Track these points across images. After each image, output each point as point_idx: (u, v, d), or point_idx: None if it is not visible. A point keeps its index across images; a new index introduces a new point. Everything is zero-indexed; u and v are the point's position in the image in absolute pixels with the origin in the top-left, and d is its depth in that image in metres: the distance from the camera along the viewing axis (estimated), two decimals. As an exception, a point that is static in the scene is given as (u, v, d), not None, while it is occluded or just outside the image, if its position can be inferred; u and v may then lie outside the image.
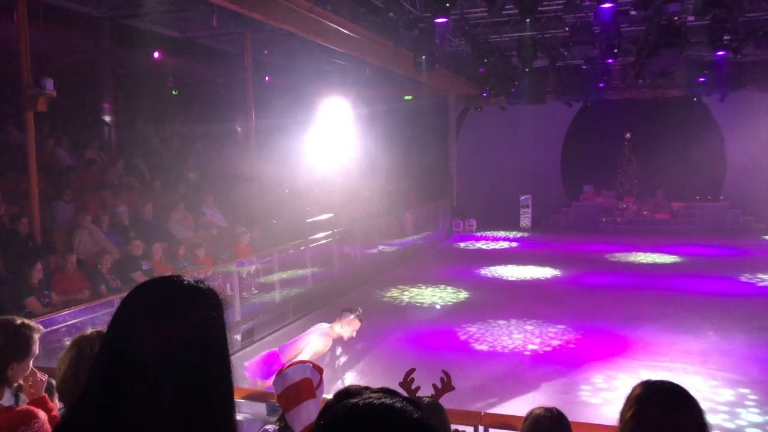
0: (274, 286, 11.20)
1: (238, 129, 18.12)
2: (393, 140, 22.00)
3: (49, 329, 6.78)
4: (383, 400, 0.99)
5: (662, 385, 1.82)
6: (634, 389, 1.86)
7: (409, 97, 21.35)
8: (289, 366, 2.39)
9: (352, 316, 5.39)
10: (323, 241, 13.13)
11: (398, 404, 0.99)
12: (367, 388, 1.09)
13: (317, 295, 12.03)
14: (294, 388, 2.28)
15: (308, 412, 2.23)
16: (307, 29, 11.26)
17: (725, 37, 13.18)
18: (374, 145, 22.46)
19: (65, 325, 7.02)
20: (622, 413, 1.84)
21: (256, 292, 10.84)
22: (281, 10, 9.91)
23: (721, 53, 14.83)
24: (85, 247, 9.13)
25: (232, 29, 13.20)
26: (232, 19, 12.00)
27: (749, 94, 19.04)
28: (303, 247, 12.25)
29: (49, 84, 8.51)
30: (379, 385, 1.15)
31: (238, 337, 9.64)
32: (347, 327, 5.35)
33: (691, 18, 12.23)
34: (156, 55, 14.84)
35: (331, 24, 10.93)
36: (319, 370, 2.39)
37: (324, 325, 5.30)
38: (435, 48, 13.10)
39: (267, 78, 19.06)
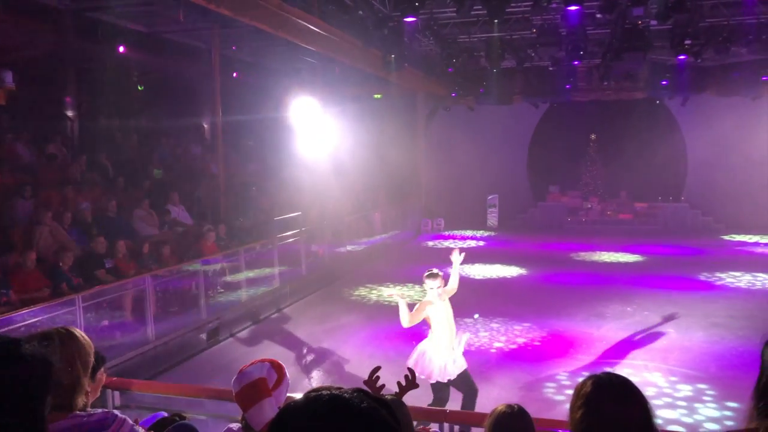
0: (240, 285, 11.11)
1: (205, 126, 17.92)
2: (362, 139, 21.98)
3: (6, 328, 6.62)
4: (333, 392, 1.01)
5: (610, 379, 1.85)
6: (582, 385, 1.87)
7: (379, 96, 21.37)
8: (249, 365, 2.38)
9: (426, 281, 5.85)
10: (291, 240, 13.07)
11: (347, 395, 1.01)
12: (339, 388, 1.10)
13: (284, 294, 11.97)
14: (250, 387, 2.28)
15: (264, 411, 2.23)
16: (276, 26, 11.18)
17: (686, 42, 13.51)
18: (343, 144, 22.44)
19: (24, 325, 6.85)
20: (572, 409, 1.86)
21: (222, 291, 10.74)
22: (249, 6, 9.82)
23: (682, 57, 15.20)
24: (46, 244, 8.92)
25: (200, 24, 13.03)
26: (200, 14, 11.84)
27: (709, 98, 19.54)
28: (270, 246, 12.17)
29: (8, 77, 8.31)
30: (345, 384, 1.16)
31: (204, 336, 9.54)
32: (430, 291, 5.80)
33: (654, 22, 12.50)
34: (121, 49, 14.56)
35: (300, 21, 10.86)
36: (278, 368, 2.38)
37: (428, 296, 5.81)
38: (404, 47, 13.13)
39: (235, 74, 18.86)
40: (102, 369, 3.01)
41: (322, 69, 18.54)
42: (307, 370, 8.23)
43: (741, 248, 17.23)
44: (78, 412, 2.14)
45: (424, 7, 10.76)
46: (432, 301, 5.74)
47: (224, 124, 14.51)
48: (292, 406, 1.03)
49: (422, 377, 5.48)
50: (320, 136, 19.19)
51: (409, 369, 3.12)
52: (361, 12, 11.23)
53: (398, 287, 12.15)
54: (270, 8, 9.86)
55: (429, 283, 5.80)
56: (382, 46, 12.86)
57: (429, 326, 5.88)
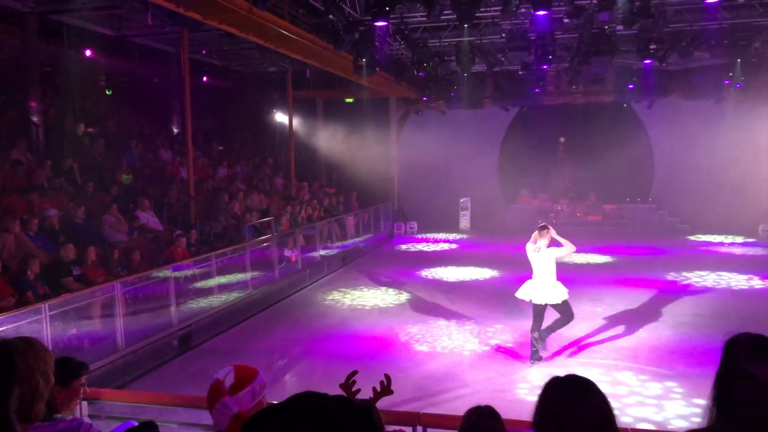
0: (212, 290, 11.00)
1: (175, 130, 17.71)
2: (334, 143, 21.99)
3: (-30, 339, 6.43)
4: (310, 398, 1.02)
5: (565, 379, 1.86)
6: (543, 386, 1.89)
7: (350, 100, 21.39)
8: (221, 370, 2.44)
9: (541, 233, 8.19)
10: (263, 245, 12.98)
11: (323, 401, 1.03)
12: (318, 394, 1.10)
13: (257, 299, 11.88)
14: (210, 390, 2.38)
15: (221, 412, 2.31)
16: (246, 30, 11.13)
17: (651, 47, 13.79)
18: (315, 148, 22.40)
19: (-12, 335, 6.68)
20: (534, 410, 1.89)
21: (194, 297, 10.61)
22: (219, 9, 9.74)
23: (647, 62, 15.52)
24: (11, 252, 8.71)
25: (168, 28, 12.88)
26: (168, 17, 11.72)
27: (674, 101, 19.98)
28: (242, 251, 12.08)
29: (-30, 81, 8.09)
30: (320, 389, 1.16)
31: (175, 343, 9.42)
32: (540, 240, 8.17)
33: (620, 27, 12.72)
34: (88, 52, 14.33)
35: (270, 25, 10.82)
36: (241, 372, 2.41)
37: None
38: (375, 51, 13.17)
39: (205, 79, 18.70)
40: (82, 378, 2.97)
41: (294, 73, 18.48)
42: (281, 375, 8.17)
43: (706, 248, 17.63)
44: (40, 423, 2.10)
45: (394, 12, 10.79)
46: (530, 248, 8.21)
47: (194, 129, 14.36)
48: (265, 411, 1.03)
49: (527, 300, 8.20)
50: (292, 140, 19.13)
51: (386, 375, 3.12)
52: (331, 16, 11.22)
53: (372, 290, 12.19)
54: (240, 12, 9.81)
55: (538, 235, 8.21)
56: (353, 50, 12.88)
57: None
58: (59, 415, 2.38)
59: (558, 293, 8.06)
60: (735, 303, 11.35)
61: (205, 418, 2.71)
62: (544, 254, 8.10)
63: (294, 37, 11.82)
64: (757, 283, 13.02)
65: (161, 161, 14.93)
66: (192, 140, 13.64)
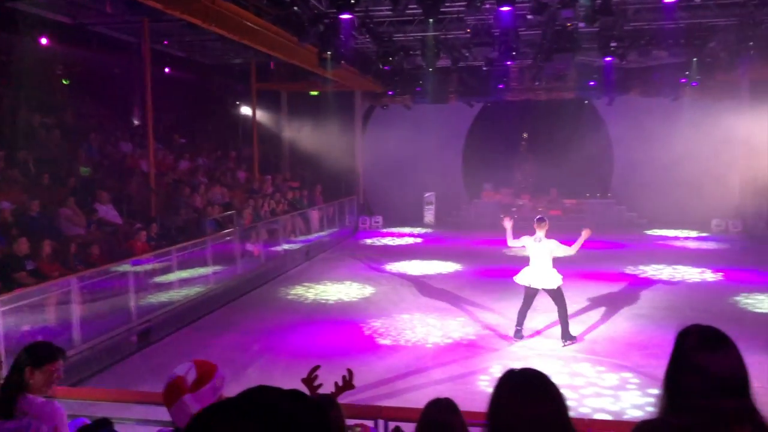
0: (173, 285, 10.83)
1: (135, 122, 17.36)
2: (299, 136, 21.85)
3: None
4: (260, 392, 1.01)
5: (519, 373, 1.87)
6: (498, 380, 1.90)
7: (315, 93, 21.26)
8: (178, 366, 2.37)
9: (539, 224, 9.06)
10: (225, 239, 12.83)
11: (272, 395, 1.02)
12: (272, 388, 1.08)
13: (219, 294, 11.75)
14: (170, 386, 2.32)
15: (182, 409, 2.26)
16: (209, 21, 10.93)
17: (612, 44, 14.05)
18: (279, 141, 22.22)
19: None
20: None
21: (154, 291, 10.44)
22: (180, -1, 9.58)
23: (608, 59, 15.82)
24: (-39, 247, 8.44)
25: (129, 17, 12.60)
26: (128, 6, 11.48)
27: (633, 98, 20.41)
28: (203, 245, 11.92)
29: None
30: (283, 384, 1.15)
31: (134, 338, 9.25)
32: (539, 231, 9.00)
33: (582, 25, 12.93)
34: (43, 41, 13.90)
35: (234, 16, 10.68)
36: (202, 367, 2.37)
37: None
38: (340, 44, 13.11)
39: (167, 70, 18.36)
40: (57, 363, 2.99)
41: (258, 65, 18.27)
42: (243, 370, 8.10)
43: (662, 242, 18.08)
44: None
45: (359, 5, 10.77)
46: (530, 239, 8.94)
47: (156, 121, 14.08)
48: (212, 407, 1.02)
49: (526, 285, 8.89)
50: (256, 133, 18.93)
51: (348, 370, 3.12)
52: (296, 8, 11.13)
53: (336, 285, 12.18)
54: (202, 2, 9.65)
55: (536, 227, 9.00)
56: (317, 43, 12.80)
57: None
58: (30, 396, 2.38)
59: (554, 279, 8.84)
60: (689, 295, 11.68)
61: (163, 414, 2.68)
62: (543, 244, 8.87)
63: (258, 28, 11.69)
64: (709, 276, 13.42)
65: (121, 153, 14.62)
66: (153, 132, 13.39)
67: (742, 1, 12.27)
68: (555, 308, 8.88)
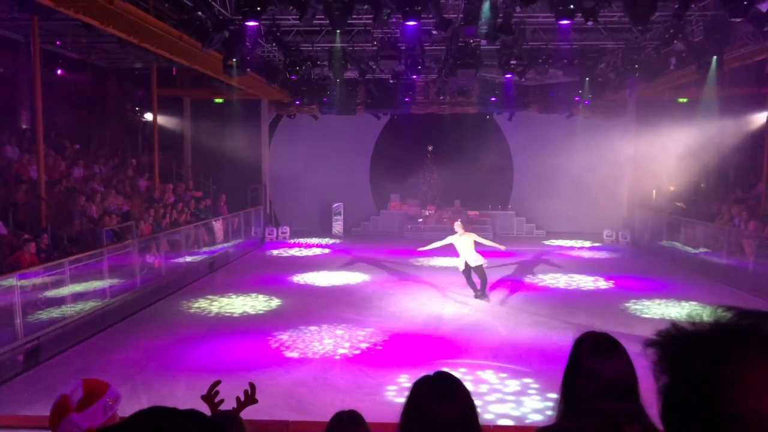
0: (65, 300, 10.19)
1: (24, 126, 16.27)
2: (202, 143, 21.23)
3: None
4: (153, 414, 0.96)
5: (433, 377, 1.91)
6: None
7: (220, 101, 20.76)
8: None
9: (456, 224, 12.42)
10: (123, 250, 12.23)
11: (149, 415, 0.98)
12: (168, 409, 1.02)
13: (116, 309, 11.17)
14: (55, 406, 2.21)
15: (69, 429, 2.16)
16: (106, 21, 10.43)
17: (512, 62, 14.66)
18: (182, 149, 21.49)
19: None
20: None
21: (44, 307, 9.77)
22: (74, -3, 9.07)
23: (508, 76, 16.51)
24: None
25: (16, 14, 11.81)
26: (16, 2, 10.75)
27: (532, 114, 21.38)
28: (99, 257, 11.30)
29: None
30: (183, 402, 1.10)
31: (20, 358, 8.61)
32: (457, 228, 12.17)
33: (484, 42, 13.41)
34: None
35: (133, 18, 10.24)
36: (90, 386, 2.24)
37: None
38: (246, 52, 12.89)
39: (59, 72, 17.35)
40: None
41: (159, 70, 17.61)
42: (141, 388, 7.72)
43: (559, 252, 18.98)
44: None
45: (266, 12, 10.61)
46: (455, 237, 12.05)
47: (46, 125, 13.24)
48: (106, 429, 0.96)
49: (461, 269, 12.09)
50: (157, 140, 18.20)
51: (250, 384, 3.05)
52: (200, 13, 10.83)
53: (241, 297, 11.93)
54: (98, 1, 9.18)
55: (456, 226, 12.20)
56: (222, 49, 12.51)
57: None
58: None
59: (477, 259, 11.83)
60: (584, 302, 12.32)
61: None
62: (466, 236, 11.97)
63: (159, 31, 11.27)
64: (602, 284, 14.23)
65: (6, 159, 13.63)
66: (44, 137, 12.57)
67: (628, 26, 13.16)
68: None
